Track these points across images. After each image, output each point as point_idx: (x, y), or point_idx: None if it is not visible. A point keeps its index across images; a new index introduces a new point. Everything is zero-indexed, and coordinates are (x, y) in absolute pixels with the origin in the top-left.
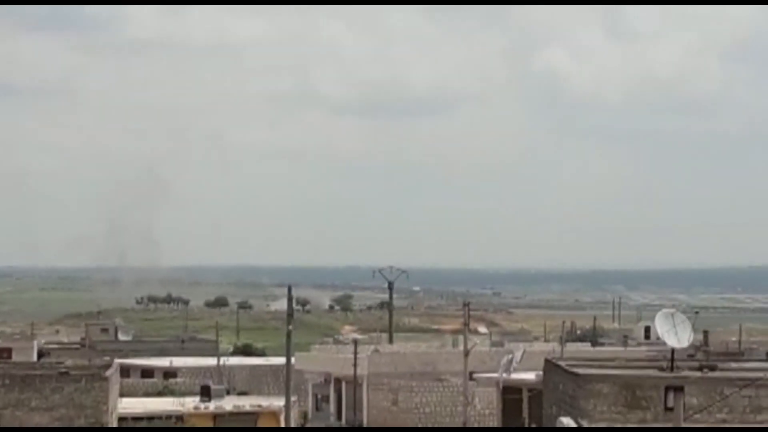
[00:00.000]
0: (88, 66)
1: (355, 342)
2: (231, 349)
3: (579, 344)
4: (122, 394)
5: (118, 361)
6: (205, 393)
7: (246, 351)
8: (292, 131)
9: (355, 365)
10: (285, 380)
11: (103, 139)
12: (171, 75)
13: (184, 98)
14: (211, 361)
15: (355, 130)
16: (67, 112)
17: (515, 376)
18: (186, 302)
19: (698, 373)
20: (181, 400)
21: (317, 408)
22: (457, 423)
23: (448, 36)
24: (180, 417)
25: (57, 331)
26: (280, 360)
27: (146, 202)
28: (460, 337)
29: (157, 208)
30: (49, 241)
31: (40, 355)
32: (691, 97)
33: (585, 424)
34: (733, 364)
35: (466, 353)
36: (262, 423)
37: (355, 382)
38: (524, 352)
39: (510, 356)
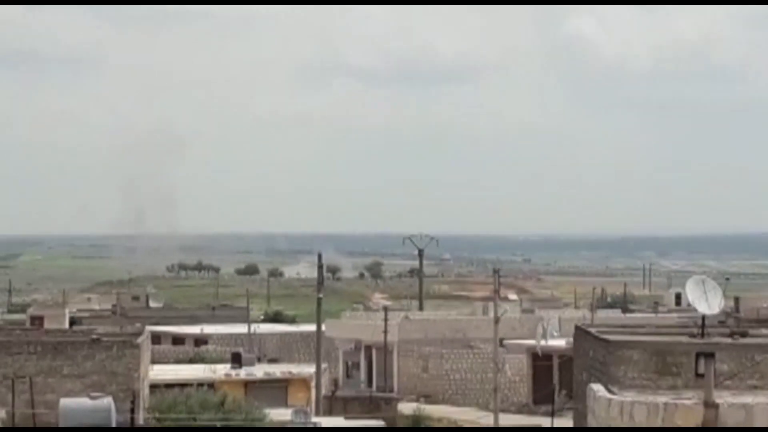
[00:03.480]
0: (113, 36)
1: (386, 309)
2: (262, 317)
3: (609, 311)
4: (153, 361)
5: (149, 328)
6: (236, 360)
7: (277, 318)
8: (319, 100)
9: (385, 332)
10: (316, 347)
11: (129, 108)
12: (197, 45)
13: (210, 68)
14: (241, 329)
15: (382, 99)
16: (93, 82)
17: (545, 342)
18: (217, 270)
19: (729, 340)
20: (212, 367)
21: (348, 375)
22: (488, 390)
23: (475, 3)
24: (211, 384)
25: (89, 299)
26: (311, 327)
27: (169, 170)
28: (490, 304)
29: (180, 176)
30: (77, 210)
31: (72, 322)
32: (718, 64)
33: (616, 390)
34: (764, 330)
35: (497, 320)
36: (292, 390)
37: (385, 349)
38: (560, 319)
39: (543, 323)
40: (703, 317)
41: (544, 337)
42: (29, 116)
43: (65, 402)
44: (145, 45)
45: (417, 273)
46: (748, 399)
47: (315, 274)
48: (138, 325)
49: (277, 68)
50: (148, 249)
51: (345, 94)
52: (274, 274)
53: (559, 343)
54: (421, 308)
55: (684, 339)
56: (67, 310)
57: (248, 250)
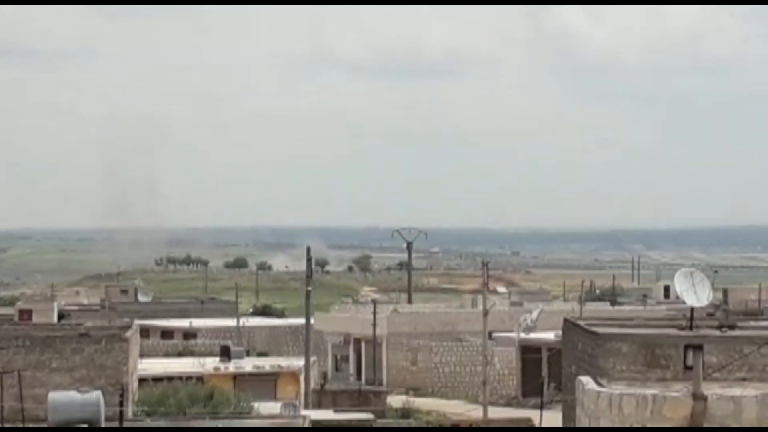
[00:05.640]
0: (101, 28)
1: (374, 302)
2: (250, 310)
3: (598, 303)
4: (142, 355)
5: (138, 322)
6: (225, 354)
7: (265, 312)
8: (309, 93)
9: (374, 325)
10: (304, 341)
11: (116, 101)
12: (186, 37)
13: (199, 60)
14: (230, 322)
15: (372, 92)
16: (82, 74)
17: (534, 335)
18: (205, 263)
19: (717, 332)
20: (201, 360)
21: (337, 368)
22: (477, 382)
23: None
24: (200, 378)
25: (77, 293)
26: (300, 320)
27: (155, 162)
28: (479, 297)
29: (166, 168)
30: (66, 203)
31: (61, 316)
32: (709, 56)
33: (604, 382)
34: (753, 323)
35: (485, 313)
36: (282, 383)
37: (374, 342)
38: (541, 311)
39: (526, 316)
40: (692, 309)
41: (524, 330)
42: (17, 109)
43: (54, 396)
44: (134, 37)
45: (406, 266)
46: (736, 391)
47: (301, 267)
48: (127, 318)
49: (267, 61)
50: (131, 242)
51: (334, 87)
52: (263, 267)
53: (548, 335)
54: (410, 301)
55: (672, 331)
56: (55, 304)
57: (235, 243)
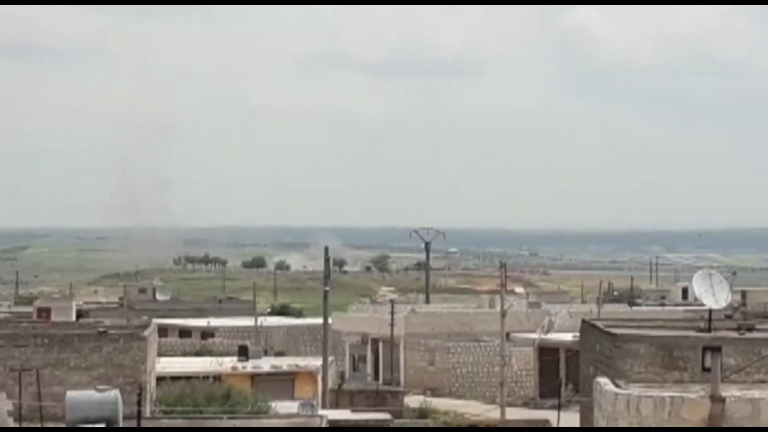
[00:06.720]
0: (111, 26)
1: (392, 302)
2: (268, 310)
3: (616, 305)
4: (160, 354)
5: (156, 321)
6: (243, 353)
7: (283, 311)
8: (321, 92)
9: (392, 325)
10: (322, 340)
11: (129, 99)
12: (199, 37)
13: (211, 60)
14: (248, 322)
15: (386, 91)
16: (96, 73)
17: (552, 336)
18: (223, 263)
19: (736, 334)
20: (219, 360)
21: (354, 368)
22: (494, 383)
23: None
24: (218, 377)
25: (95, 292)
26: (317, 320)
27: (168, 161)
28: (497, 298)
29: (179, 168)
30: (83, 202)
31: (79, 315)
32: (725, 57)
33: (622, 384)
34: None
35: (503, 314)
36: (299, 383)
37: (392, 343)
38: (567, 313)
39: (549, 317)
40: (710, 311)
41: (546, 330)
42: (32, 108)
43: (72, 394)
44: (145, 35)
45: (424, 266)
46: (754, 393)
47: (319, 267)
48: (145, 317)
49: (280, 60)
50: (142, 241)
51: (347, 86)
52: (281, 267)
53: (566, 336)
54: (427, 302)
55: (691, 333)
56: (74, 303)
57: (252, 242)
